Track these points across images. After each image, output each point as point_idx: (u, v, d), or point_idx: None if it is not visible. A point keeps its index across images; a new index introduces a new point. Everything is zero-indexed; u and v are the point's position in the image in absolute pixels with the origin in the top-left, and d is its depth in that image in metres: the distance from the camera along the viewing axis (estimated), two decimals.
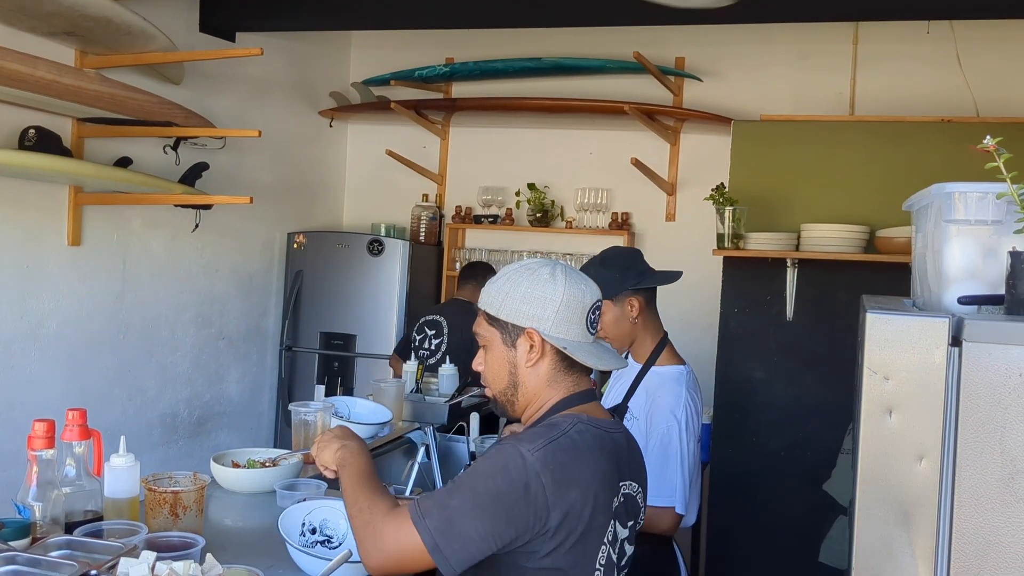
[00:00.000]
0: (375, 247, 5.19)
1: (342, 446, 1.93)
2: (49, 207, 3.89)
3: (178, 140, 4.22)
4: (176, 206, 4.38)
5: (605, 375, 3.28)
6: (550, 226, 5.36)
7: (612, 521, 1.81)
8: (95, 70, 3.63)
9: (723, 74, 5.12)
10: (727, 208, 3.87)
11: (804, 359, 4.11)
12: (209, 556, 1.77)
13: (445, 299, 5.46)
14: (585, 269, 2.49)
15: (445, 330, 4.38)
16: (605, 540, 1.80)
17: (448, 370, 3.78)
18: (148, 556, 1.74)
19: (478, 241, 5.60)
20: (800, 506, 4.04)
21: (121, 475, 2.04)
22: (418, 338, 4.45)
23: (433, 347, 4.34)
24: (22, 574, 1.72)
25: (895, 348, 1.32)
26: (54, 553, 1.80)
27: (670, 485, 2.52)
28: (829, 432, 4.06)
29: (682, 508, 2.54)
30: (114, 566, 1.74)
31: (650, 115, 4.97)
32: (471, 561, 1.66)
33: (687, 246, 4.88)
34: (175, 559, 1.76)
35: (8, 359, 3.79)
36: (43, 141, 3.55)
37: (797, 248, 3.92)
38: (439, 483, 2.85)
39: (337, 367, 5.23)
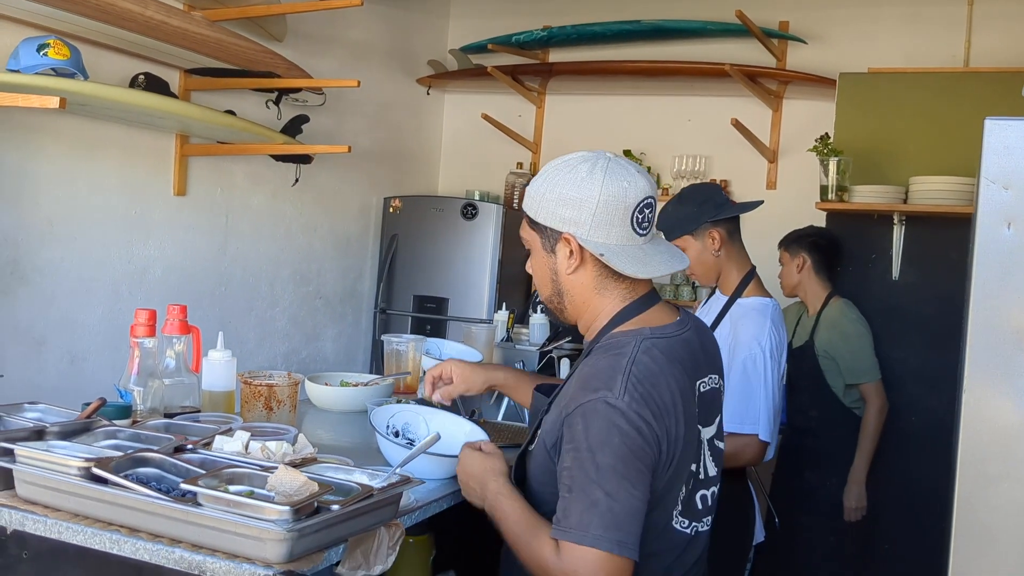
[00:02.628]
0: (469, 211, 5.20)
1: (496, 492, 1.74)
2: (157, 156, 4.00)
3: (280, 95, 4.31)
4: (276, 160, 4.47)
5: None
6: None
7: (697, 428, 1.74)
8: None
9: (829, 38, 4.94)
10: (831, 159, 3.75)
11: (910, 321, 3.96)
12: (301, 436, 1.79)
13: None
14: (662, 208, 2.45)
15: None
16: (701, 453, 1.74)
17: (539, 319, 3.75)
18: (242, 435, 1.76)
19: None
20: (914, 472, 3.89)
21: (218, 368, 2.08)
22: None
23: None
24: (123, 447, 1.76)
25: (1016, 155, 1.20)
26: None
27: (753, 412, 2.44)
28: (935, 397, 3.89)
29: (766, 435, 2.45)
30: (209, 443, 1.76)
31: (752, 77, 4.84)
32: (642, 526, 1.57)
33: (789, 215, 4.71)
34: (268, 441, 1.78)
35: (115, 302, 3.91)
36: (152, 86, 3.66)
37: (905, 202, 3.77)
38: (527, 414, 2.83)
39: (430, 330, 5.24)
